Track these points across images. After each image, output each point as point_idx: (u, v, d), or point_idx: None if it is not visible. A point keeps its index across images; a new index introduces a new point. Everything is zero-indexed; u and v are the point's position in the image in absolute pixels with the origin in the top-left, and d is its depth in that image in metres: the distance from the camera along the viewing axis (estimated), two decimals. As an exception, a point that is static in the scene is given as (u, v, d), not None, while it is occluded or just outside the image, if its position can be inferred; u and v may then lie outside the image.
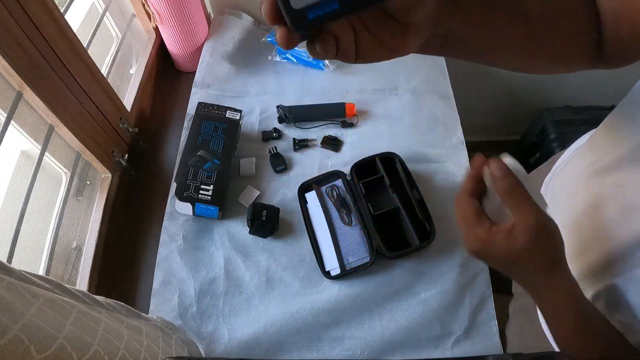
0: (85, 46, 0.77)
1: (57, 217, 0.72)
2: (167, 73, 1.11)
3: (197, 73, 1.04)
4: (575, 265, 0.48)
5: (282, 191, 0.86)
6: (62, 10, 0.71)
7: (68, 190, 0.75)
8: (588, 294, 0.48)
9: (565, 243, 0.40)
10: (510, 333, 0.75)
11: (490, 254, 0.40)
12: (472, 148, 0.93)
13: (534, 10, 0.38)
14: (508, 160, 0.40)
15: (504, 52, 0.39)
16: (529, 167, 1.39)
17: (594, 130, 0.56)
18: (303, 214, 0.81)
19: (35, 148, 0.68)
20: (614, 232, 0.46)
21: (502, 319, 0.76)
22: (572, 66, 0.43)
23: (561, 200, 0.60)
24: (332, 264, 0.76)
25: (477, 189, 0.43)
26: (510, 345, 0.74)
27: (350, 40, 0.30)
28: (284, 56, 1.06)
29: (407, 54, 0.33)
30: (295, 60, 1.05)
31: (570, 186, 0.59)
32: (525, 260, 0.39)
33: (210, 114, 0.88)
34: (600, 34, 0.40)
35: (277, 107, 0.95)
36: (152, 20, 1.01)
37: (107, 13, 0.93)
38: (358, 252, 0.77)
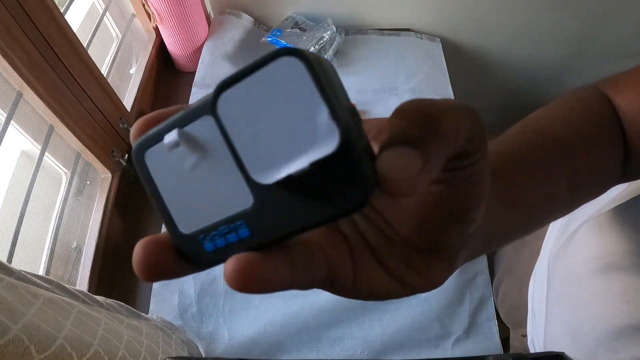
0: (85, 46, 0.77)
1: (57, 217, 0.72)
2: (167, 73, 1.11)
3: (197, 73, 1.04)
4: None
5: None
6: (62, 10, 0.71)
7: (68, 190, 0.75)
8: None
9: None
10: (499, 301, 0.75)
11: None
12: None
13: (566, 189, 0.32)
14: None
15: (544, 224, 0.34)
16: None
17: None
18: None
19: (35, 148, 0.68)
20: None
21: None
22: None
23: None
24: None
25: None
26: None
27: (346, 267, 0.20)
28: (284, 56, 1.06)
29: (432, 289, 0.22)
30: (295, 60, 1.05)
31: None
32: None
33: (210, 114, 0.88)
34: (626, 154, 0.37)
35: (277, 107, 0.95)
36: (152, 20, 1.01)
37: (107, 13, 0.93)
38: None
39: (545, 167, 0.31)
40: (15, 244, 0.60)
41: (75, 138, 0.74)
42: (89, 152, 0.78)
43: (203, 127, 0.16)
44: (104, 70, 0.90)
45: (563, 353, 0.43)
